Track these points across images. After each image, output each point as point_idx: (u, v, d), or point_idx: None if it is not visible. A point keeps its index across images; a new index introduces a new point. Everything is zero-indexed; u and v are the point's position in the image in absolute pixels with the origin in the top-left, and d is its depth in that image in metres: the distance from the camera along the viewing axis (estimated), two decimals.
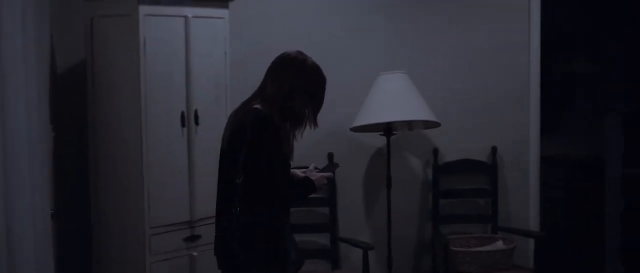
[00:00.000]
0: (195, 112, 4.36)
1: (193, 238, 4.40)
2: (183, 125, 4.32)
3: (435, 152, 5.34)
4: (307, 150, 5.14)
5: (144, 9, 4.13)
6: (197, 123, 4.37)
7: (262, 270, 3.30)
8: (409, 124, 5.22)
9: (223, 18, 4.50)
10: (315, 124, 3.51)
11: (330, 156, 5.11)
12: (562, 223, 6.62)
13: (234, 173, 3.25)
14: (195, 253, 4.40)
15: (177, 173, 4.33)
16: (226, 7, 4.52)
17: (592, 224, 6.82)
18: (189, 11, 4.32)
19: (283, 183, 3.33)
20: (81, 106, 4.42)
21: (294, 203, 3.49)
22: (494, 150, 5.43)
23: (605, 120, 7.16)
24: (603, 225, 6.90)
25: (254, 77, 5.03)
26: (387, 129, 5.02)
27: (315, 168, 3.60)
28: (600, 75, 7.21)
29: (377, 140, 5.19)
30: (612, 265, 7.05)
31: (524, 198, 5.55)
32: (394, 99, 4.90)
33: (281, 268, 3.35)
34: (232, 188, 3.25)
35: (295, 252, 3.43)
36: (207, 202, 4.41)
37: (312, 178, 3.46)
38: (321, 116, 5.14)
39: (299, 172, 3.54)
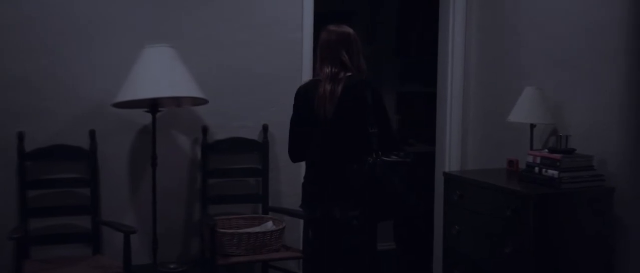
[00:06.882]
0: None
1: None
2: None
3: (205, 129, 5.15)
4: (66, 126, 4.84)
5: None
6: None
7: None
8: (177, 101, 4.97)
9: None
10: None
11: None
12: None
13: (361, 127, 3.88)
14: None
15: None
16: None
17: None
18: None
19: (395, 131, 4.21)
20: None
21: None
22: (265, 128, 5.31)
23: None
24: None
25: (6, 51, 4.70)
26: (152, 105, 4.76)
27: None
28: (375, 55, 7.27)
29: (143, 117, 4.91)
30: (383, 241, 7.17)
31: (295, 178, 5.46)
32: (159, 73, 4.61)
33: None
34: (364, 139, 3.87)
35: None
36: None
37: None
38: (82, 92, 4.88)
39: None
